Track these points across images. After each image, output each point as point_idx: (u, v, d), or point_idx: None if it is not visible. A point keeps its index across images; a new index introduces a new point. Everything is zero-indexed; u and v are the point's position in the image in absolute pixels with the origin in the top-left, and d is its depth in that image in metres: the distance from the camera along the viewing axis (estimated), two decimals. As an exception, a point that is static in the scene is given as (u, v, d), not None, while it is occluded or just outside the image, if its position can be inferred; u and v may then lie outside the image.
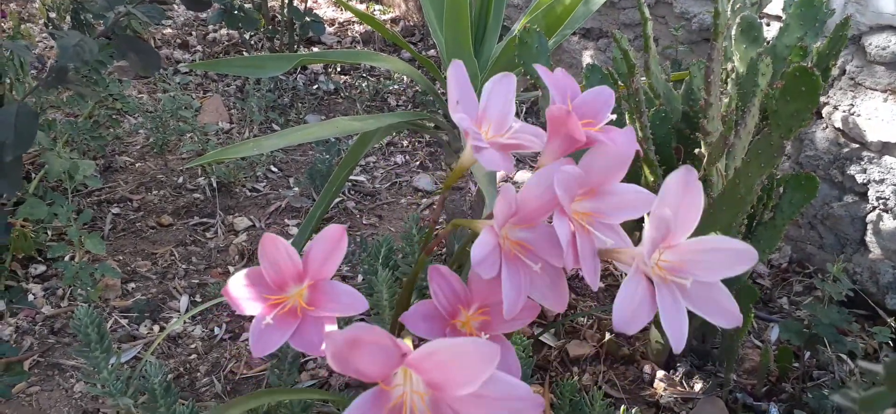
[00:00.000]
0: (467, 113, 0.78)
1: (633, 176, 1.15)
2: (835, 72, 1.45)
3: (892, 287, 1.41)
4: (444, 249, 1.45)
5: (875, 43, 1.35)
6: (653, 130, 1.11)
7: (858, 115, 1.41)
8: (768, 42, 1.24)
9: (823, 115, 1.49)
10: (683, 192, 0.70)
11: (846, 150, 1.46)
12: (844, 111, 1.44)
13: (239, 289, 0.72)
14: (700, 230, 0.95)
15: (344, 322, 1.05)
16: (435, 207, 1.82)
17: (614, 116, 0.78)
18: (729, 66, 1.19)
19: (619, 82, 1.15)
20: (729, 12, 1.23)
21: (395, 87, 2.51)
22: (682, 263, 0.69)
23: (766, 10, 1.51)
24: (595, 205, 0.75)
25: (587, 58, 2.13)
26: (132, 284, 1.55)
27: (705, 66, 0.97)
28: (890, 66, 1.35)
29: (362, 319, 1.34)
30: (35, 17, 2.95)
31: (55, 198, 1.37)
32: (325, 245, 0.73)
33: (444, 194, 0.92)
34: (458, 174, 0.87)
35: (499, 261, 0.70)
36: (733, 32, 1.16)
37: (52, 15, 2.70)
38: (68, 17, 2.73)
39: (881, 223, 1.42)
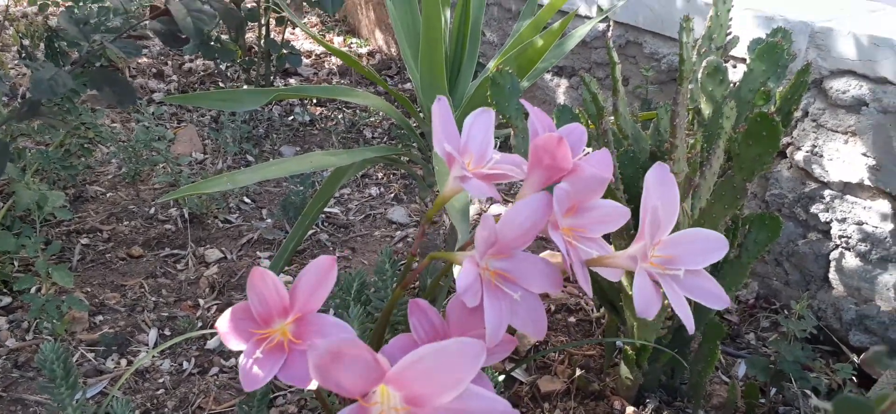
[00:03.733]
0: (451, 144, 0.80)
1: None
2: (798, 114, 1.49)
3: (855, 324, 1.44)
4: (417, 284, 1.45)
5: (836, 86, 1.40)
6: (621, 170, 1.13)
7: (821, 156, 1.45)
8: (734, 84, 1.28)
9: (787, 155, 1.53)
10: (661, 187, 0.74)
11: (809, 188, 1.49)
12: (807, 151, 1.47)
13: (227, 324, 0.72)
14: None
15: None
16: (411, 239, 1.83)
17: (590, 150, 0.80)
18: (696, 107, 1.23)
19: (590, 122, 1.17)
20: (694, 57, 1.26)
21: (372, 119, 2.53)
22: (671, 256, 0.75)
23: (732, 53, 1.55)
24: (578, 221, 0.79)
25: (560, 95, 2.16)
26: (100, 317, 1.53)
27: (671, 109, 1.00)
28: (850, 109, 1.39)
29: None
30: (8, 45, 2.92)
31: (23, 229, 1.36)
32: (313, 277, 0.73)
33: (424, 225, 0.93)
34: (440, 205, 0.88)
35: (480, 291, 0.72)
36: (700, 75, 1.19)
37: (26, 42, 2.69)
38: (42, 45, 2.72)
39: (844, 261, 1.46)
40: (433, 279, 0.95)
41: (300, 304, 0.73)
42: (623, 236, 1.13)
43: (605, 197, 1.14)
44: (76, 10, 1.20)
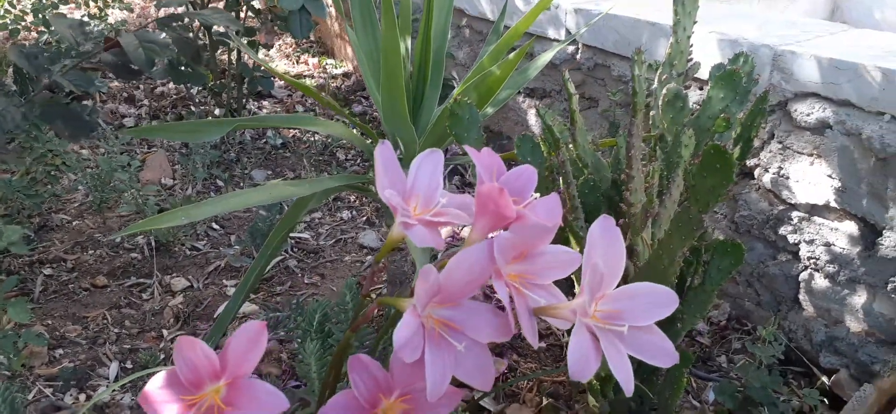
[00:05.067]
0: (396, 189, 0.78)
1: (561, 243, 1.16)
2: (765, 135, 1.49)
3: (825, 346, 1.44)
4: (378, 314, 1.43)
5: (800, 109, 1.39)
6: (582, 199, 1.12)
7: (787, 177, 1.45)
8: (697, 108, 1.27)
9: (755, 177, 1.53)
10: (606, 240, 0.72)
11: (778, 210, 1.49)
12: (774, 173, 1.47)
13: (156, 391, 0.70)
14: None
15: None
16: (369, 275, 1.80)
17: (537, 195, 0.78)
18: (659, 134, 1.22)
19: (551, 151, 1.16)
20: (655, 83, 1.26)
21: (345, 142, 2.51)
22: (615, 311, 0.73)
23: (697, 75, 1.55)
24: (526, 267, 0.76)
25: (531, 117, 2.15)
26: (60, 351, 1.50)
27: (626, 140, 0.99)
28: (815, 131, 1.39)
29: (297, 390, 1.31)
30: None
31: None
32: (244, 342, 0.71)
33: (375, 268, 0.92)
34: (388, 248, 0.86)
35: (422, 343, 0.70)
36: (660, 103, 1.18)
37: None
38: (10, 71, 2.69)
39: (813, 282, 1.45)
40: (389, 319, 0.93)
41: (231, 368, 0.71)
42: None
43: (561, 231, 1.14)
44: (26, 45, 1.18)
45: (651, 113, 1.27)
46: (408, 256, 1.70)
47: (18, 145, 1.97)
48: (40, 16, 2.60)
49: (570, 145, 1.12)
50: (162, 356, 1.49)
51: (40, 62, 1.22)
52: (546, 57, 1.47)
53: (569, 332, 1.69)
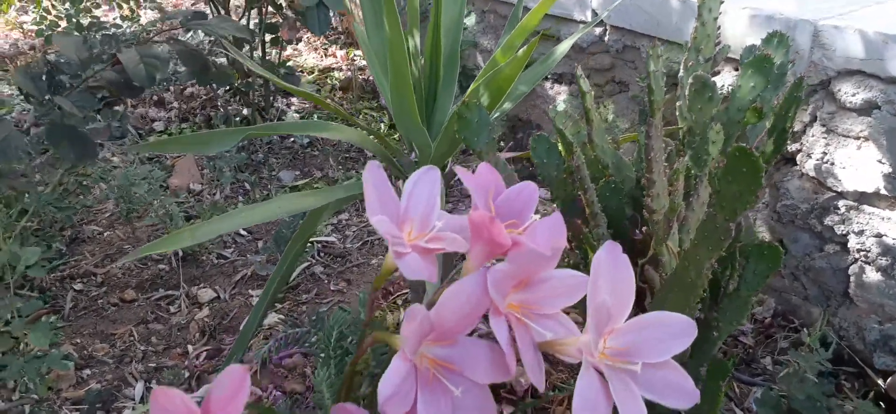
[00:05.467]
0: (387, 213, 0.73)
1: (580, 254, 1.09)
2: (806, 118, 1.38)
3: (880, 345, 1.33)
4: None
5: (845, 89, 1.29)
6: (603, 203, 1.05)
7: (832, 163, 1.34)
8: (728, 94, 1.18)
9: (797, 163, 1.42)
10: (613, 269, 0.66)
11: (823, 198, 1.39)
12: (817, 159, 1.37)
13: None
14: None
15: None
16: (368, 303, 1.76)
17: (537, 217, 0.72)
18: (684, 126, 1.13)
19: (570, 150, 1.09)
20: (682, 70, 1.17)
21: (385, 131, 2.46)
22: (626, 347, 0.66)
23: (730, 55, 1.45)
24: (528, 296, 0.70)
25: (560, 103, 2.06)
26: (87, 371, 1.49)
27: (645, 142, 0.91)
28: (862, 112, 1.28)
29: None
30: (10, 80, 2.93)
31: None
32: (226, 389, 0.67)
33: (372, 295, 0.87)
34: (384, 276, 0.81)
35: (413, 390, 0.64)
36: (686, 92, 1.10)
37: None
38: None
39: (864, 276, 1.35)
40: (386, 357, 0.88)
41: None
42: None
43: (577, 246, 1.06)
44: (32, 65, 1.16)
45: (678, 103, 1.19)
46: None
47: (51, 156, 1.98)
48: (73, 21, 2.62)
49: (588, 145, 1.05)
50: (186, 374, 1.47)
51: (44, 85, 1.21)
52: (566, 45, 1.38)
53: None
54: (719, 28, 1.14)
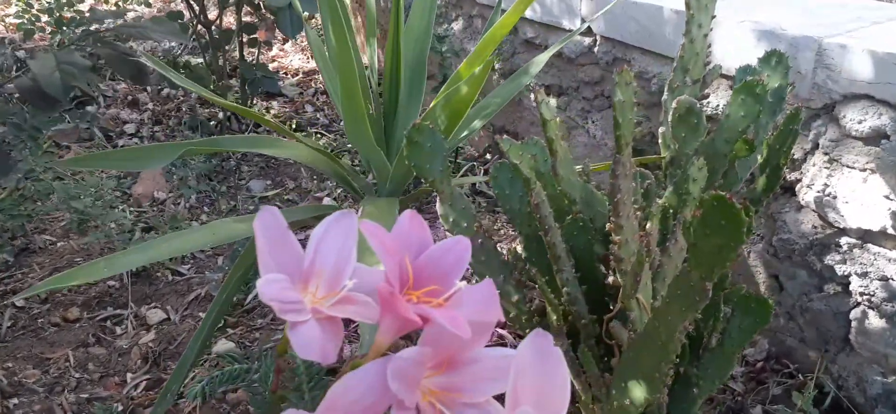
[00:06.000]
0: (285, 269, 0.60)
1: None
2: (807, 145, 1.25)
3: (882, 400, 1.20)
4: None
5: (850, 115, 1.15)
6: (570, 242, 0.92)
7: (835, 197, 1.21)
8: (715, 118, 1.05)
9: (796, 193, 1.29)
10: (540, 369, 0.52)
11: (823, 234, 1.25)
12: (819, 191, 1.23)
13: None
14: (620, 377, 0.75)
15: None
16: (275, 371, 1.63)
17: (462, 284, 0.59)
18: (667, 156, 1.00)
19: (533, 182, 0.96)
20: (665, 93, 1.04)
21: (352, 147, 2.34)
22: None
23: (724, 73, 1.32)
24: (451, 380, 0.57)
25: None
26: (15, 400, 1.37)
27: (610, 183, 0.78)
28: (869, 142, 1.15)
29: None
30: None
31: None
32: None
33: (279, 362, 0.74)
34: (286, 344, 0.69)
35: None
36: (670, 118, 0.97)
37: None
38: None
39: (867, 322, 1.21)
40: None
41: None
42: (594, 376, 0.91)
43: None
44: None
45: (660, 130, 1.05)
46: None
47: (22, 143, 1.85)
48: (55, 15, 2.50)
49: (554, 178, 0.92)
50: (119, 407, 1.35)
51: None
52: (545, 56, 1.26)
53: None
54: (710, 45, 1.01)
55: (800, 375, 1.34)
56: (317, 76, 2.93)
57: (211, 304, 1.27)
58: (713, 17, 1.00)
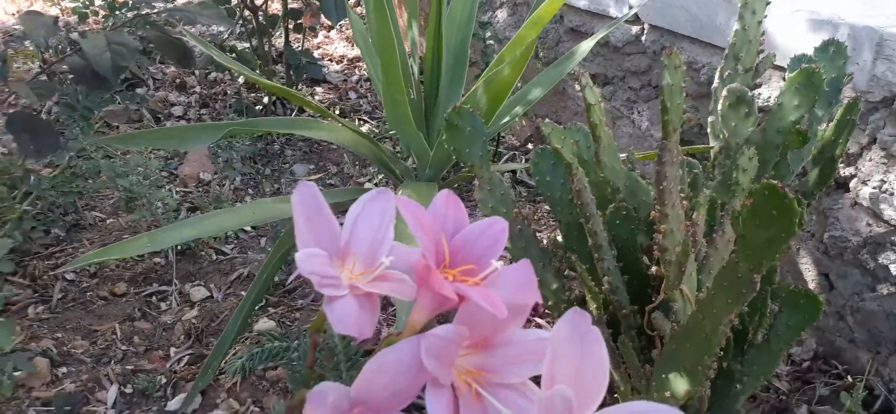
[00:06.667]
0: (322, 245, 0.60)
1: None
2: (864, 140, 1.20)
3: (936, 406, 1.15)
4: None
5: (910, 109, 1.11)
6: (612, 231, 0.90)
7: (892, 194, 1.16)
8: (766, 109, 1.01)
9: (851, 189, 1.25)
10: (578, 350, 0.51)
11: (879, 232, 1.21)
12: (874, 187, 1.19)
13: None
14: (662, 369, 0.74)
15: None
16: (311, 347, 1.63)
17: (501, 262, 0.58)
18: (716, 146, 0.98)
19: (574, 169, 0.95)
20: (716, 81, 1.01)
21: (393, 133, 2.34)
22: None
23: (777, 63, 1.28)
24: (486, 360, 0.56)
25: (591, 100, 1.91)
26: (64, 369, 1.41)
27: (656, 170, 0.76)
28: (930, 137, 1.10)
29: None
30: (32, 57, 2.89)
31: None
32: None
33: (314, 337, 0.74)
34: (320, 322, 0.69)
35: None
36: (720, 106, 0.94)
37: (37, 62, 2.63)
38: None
39: (922, 324, 1.17)
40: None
41: None
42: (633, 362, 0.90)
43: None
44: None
45: (710, 119, 1.03)
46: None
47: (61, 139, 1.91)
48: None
49: (597, 165, 0.90)
50: (163, 380, 1.38)
51: (3, 69, 1.12)
52: (589, 43, 1.24)
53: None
54: (764, 33, 0.98)
55: (848, 377, 1.30)
56: (360, 63, 2.94)
57: (252, 283, 1.29)
58: (768, 3, 0.97)
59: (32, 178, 1.85)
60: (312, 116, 2.32)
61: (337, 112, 2.50)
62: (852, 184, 1.24)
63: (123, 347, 1.47)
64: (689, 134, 1.43)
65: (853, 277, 1.27)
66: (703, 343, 0.76)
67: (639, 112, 1.74)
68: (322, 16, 2.55)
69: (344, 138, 1.18)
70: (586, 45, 1.18)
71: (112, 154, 2.17)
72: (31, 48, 2.73)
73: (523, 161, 1.99)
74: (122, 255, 0.97)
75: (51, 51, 2.60)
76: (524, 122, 2.13)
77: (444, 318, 0.97)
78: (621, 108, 1.78)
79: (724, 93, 0.92)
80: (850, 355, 1.32)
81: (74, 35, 2.70)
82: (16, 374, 1.33)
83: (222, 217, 1.04)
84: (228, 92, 2.67)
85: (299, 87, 2.62)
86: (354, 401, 0.50)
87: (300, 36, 2.52)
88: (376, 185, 1.96)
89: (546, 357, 0.47)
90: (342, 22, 3.36)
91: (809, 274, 1.37)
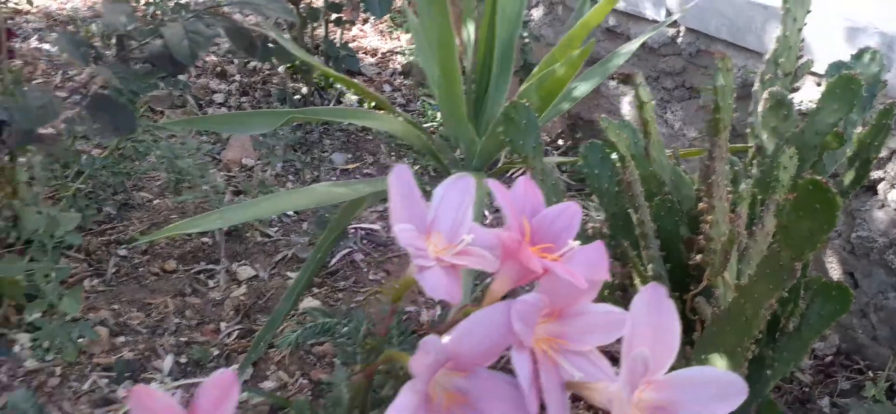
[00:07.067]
0: (413, 222, 0.67)
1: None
2: (893, 144, 1.26)
3: (956, 401, 1.21)
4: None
5: (940, 116, 1.16)
6: (657, 222, 0.96)
7: (920, 198, 1.22)
8: (806, 112, 1.07)
9: (879, 193, 1.30)
10: (655, 317, 0.58)
11: (905, 234, 1.26)
12: (903, 191, 1.24)
13: None
14: (702, 350, 0.80)
15: None
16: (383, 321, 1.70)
17: (576, 244, 0.65)
18: (754, 145, 1.04)
19: (625, 160, 1.01)
20: (757, 83, 1.07)
21: (429, 124, 2.41)
22: (664, 402, 0.59)
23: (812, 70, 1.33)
24: (560, 328, 0.63)
25: (624, 104, 1.97)
26: (121, 338, 1.49)
27: (705, 164, 0.82)
28: (959, 144, 1.15)
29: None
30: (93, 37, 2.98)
31: (35, 253, 1.33)
32: (213, 393, 0.62)
33: (394, 308, 0.81)
34: (404, 289, 0.76)
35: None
36: (760, 108, 1.00)
37: (96, 43, 2.73)
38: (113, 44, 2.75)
39: (945, 323, 1.22)
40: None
41: None
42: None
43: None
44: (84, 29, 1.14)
45: (749, 119, 1.09)
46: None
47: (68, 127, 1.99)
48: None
49: (645, 159, 0.96)
50: (216, 352, 1.45)
51: (85, 52, 1.20)
52: (633, 45, 1.30)
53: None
54: (803, 40, 1.04)
55: (870, 372, 1.36)
56: (394, 57, 3.01)
57: (304, 262, 1.36)
58: (808, 12, 1.03)
59: (84, 158, 1.94)
60: (360, 104, 2.39)
61: (372, 105, 2.58)
62: (881, 187, 1.30)
63: (176, 320, 1.55)
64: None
65: (878, 276, 1.33)
66: (743, 326, 0.83)
67: (672, 112, 1.80)
68: (359, 8, 2.63)
69: (396, 128, 1.25)
70: (632, 46, 1.25)
71: (157, 138, 2.26)
72: (93, 31, 2.81)
73: (557, 155, 2.05)
74: (197, 228, 1.05)
75: (113, 37, 2.69)
76: (556, 119, 2.19)
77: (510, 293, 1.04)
78: (654, 108, 1.83)
79: (765, 96, 0.98)
80: (872, 352, 1.37)
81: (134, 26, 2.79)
82: (79, 340, 1.41)
83: (284, 198, 1.11)
84: (267, 82, 2.75)
85: (333, 82, 2.69)
86: (449, 355, 0.57)
87: (339, 29, 2.59)
88: (416, 174, 2.02)
89: (627, 323, 0.54)
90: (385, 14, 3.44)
91: (835, 272, 1.42)
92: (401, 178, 0.66)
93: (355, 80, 1.19)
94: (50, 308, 1.46)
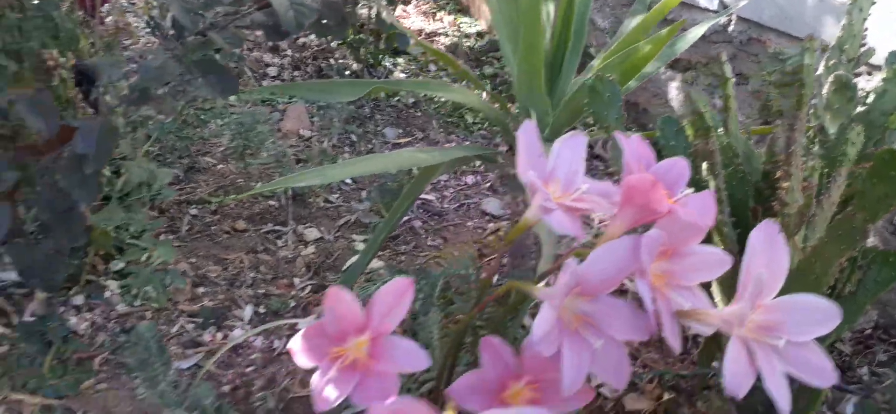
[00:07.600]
0: (536, 171, 0.76)
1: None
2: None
3: None
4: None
5: None
6: (729, 191, 1.05)
7: (965, 182, 1.30)
8: (867, 97, 1.15)
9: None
10: (770, 248, 0.68)
11: (949, 216, 1.34)
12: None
13: (301, 342, 0.73)
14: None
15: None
16: (503, 234, 1.79)
17: (691, 190, 0.74)
18: (819, 124, 1.12)
19: (695, 134, 1.10)
20: (821, 68, 1.15)
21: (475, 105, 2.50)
22: (771, 323, 0.69)
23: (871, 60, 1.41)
24: (670, 266, 0.73)
25: (672, 90, 2.05)
26: (201, 289, 1.60)
27: (787, 135, 0.91)
28: None
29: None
30: (141, 9, 3.08)
31: (132, 204, 1.43)
32: (389, 298, 0.72)
33: (504, 250, 0.91)
34: (519, 230, 0.85)
35: (558, 337, 0.68)
36: (825, 91, 1.09)
37: (155, 12, 2.84)
38: (169, 18, 2.86)
39: (984, 301, 1.30)
40: (513, 302, 0.92)
41: (375, 323, 0.72)
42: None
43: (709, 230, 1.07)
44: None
45: (812, 101, 1.17)
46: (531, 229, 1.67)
47: (173, 88, 2.10)
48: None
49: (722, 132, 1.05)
50: (292, 303, 1.56)
51: (198, 17, 1.29)
52: (699, 30, 1.38)
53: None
54: (866, 28, 1.12)
55: (908, 347, 1.44)
56: (438, 37, 3.10)
57: (369, 226, 1.45)
58: (873, 3, 1.11)
59: (151, 122, 2.05)
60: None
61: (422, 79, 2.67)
62: (927, 172, 1.38)
63: (252, 274, 1.65)
64: (776, 116, 1.56)
65: (921, 256, 1.41)
66: (811, 283, 0.91)
67: (720, 97, 1.87)
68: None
69: (472, 101, 1.34)
70: (698, 31, 1.33)
71: (214, 105, 2.36)
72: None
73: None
74: (302, 183, 1.15)
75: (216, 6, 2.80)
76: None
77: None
78: (703, 92, 1.92)
79: (831, 79, 1.06)
80: (911, 328, 1.46)
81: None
82: (168, 287, 1.52)
83: (375, 161, 1.21)
84: (317, 57, 2.85)
85: (383, 57, 2.78)
86: (580, 278, 0.67)
87: (391, 7, 2.68)
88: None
89: (745, 254, 0.64)
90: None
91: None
92: (528, 134, 0.76)
93: (449, 55, 1.28)
94: (138, 257, 1.57)
